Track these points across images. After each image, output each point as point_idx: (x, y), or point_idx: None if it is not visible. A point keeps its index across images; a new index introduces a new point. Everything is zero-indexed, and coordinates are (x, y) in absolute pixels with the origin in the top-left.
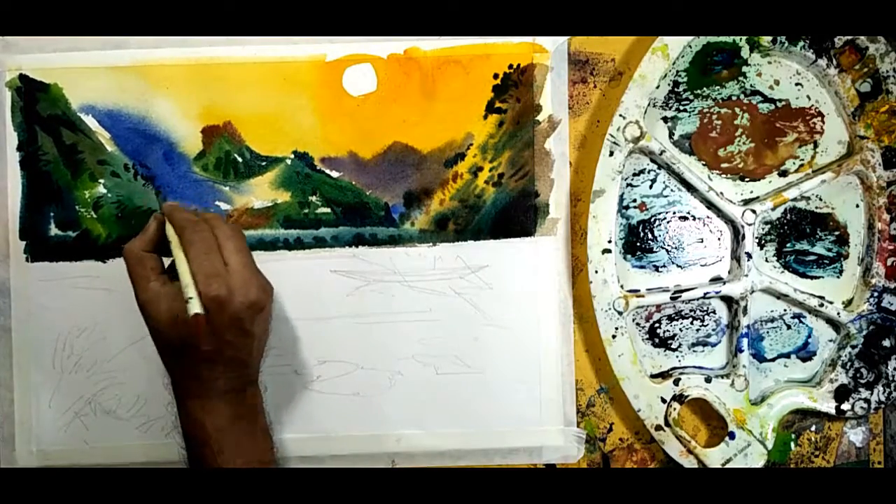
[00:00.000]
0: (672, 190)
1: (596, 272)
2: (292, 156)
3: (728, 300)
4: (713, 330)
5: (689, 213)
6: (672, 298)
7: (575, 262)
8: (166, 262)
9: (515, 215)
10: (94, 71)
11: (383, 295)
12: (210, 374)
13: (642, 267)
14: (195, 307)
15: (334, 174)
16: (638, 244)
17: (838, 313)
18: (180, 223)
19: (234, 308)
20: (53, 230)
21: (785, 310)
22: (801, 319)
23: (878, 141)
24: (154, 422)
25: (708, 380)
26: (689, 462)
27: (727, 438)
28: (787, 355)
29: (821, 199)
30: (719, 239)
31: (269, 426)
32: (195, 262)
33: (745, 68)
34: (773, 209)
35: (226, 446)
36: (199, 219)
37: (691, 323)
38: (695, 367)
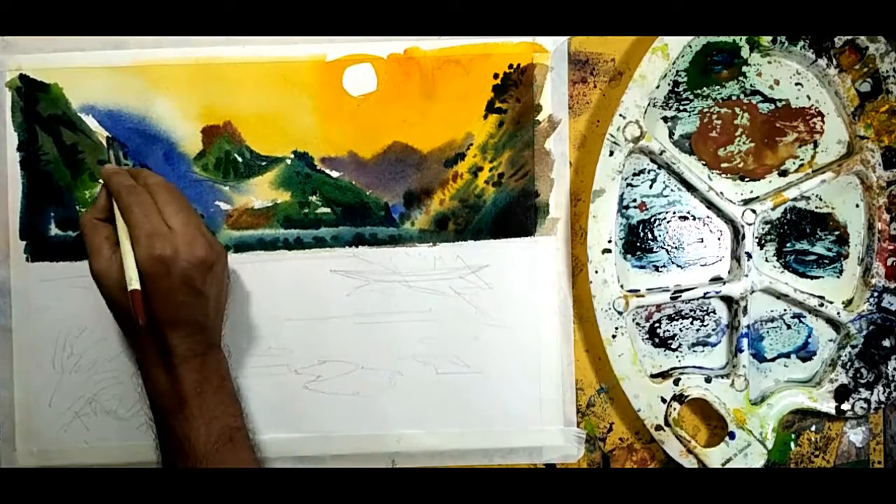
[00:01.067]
0: (672, 190)
1: (596, 272)
2: (292, 156)
3: (728, 300)
4: (713, 330)
5: (689, 213)
6: (672, 298)
7: (575, 262)
8: None
9: (515, 215)
10: (94, 71)
11: (383, 295)
12: (170, 339)
13: (642, 267)
14: (132, 283)
15: (334, 174)
16: (638, 244)
17: (838, 313)
18: (116, 188)
19: (180, 266)
20: (54, 230)
21: (785, 310)
22: (801, 319)
23: (878, 141)
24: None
25: (708, 380)
26: (689, 462)
27: (727, 438)
28: (787, 355)
29: (821, 199)
30: (719, 239)
31: (237, 391)
32: (135, 225)
33: (745, 68)
34: (773, 209)
35: (194, 413)
36: (136, 183)
37: (691, 323)
38: (695, 367)
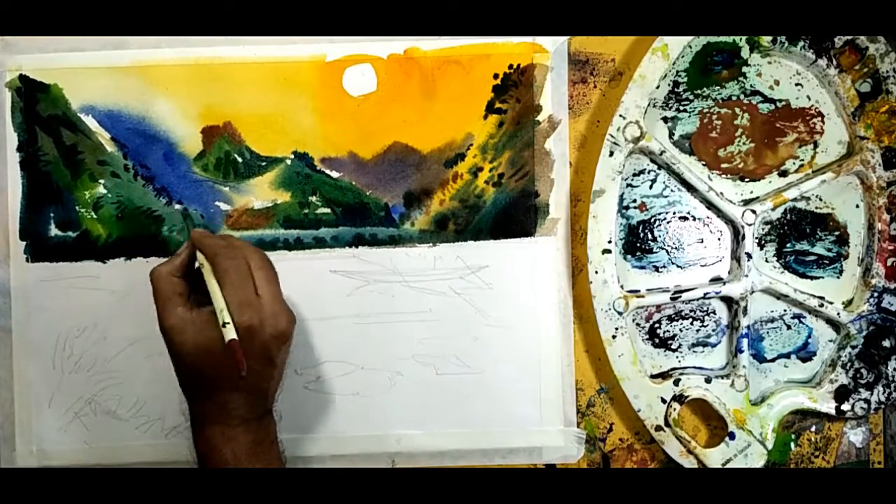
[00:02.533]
0: (672, 190)
1: (596, 272)
2: (292, 156)
3: (728, 300)
4: (713, 330)
5: (689, 213)
6: (672, 299)
7: (575, 262)
8: None
9: (515, 215)
10: (94, 71)
11: (383, 295)
12: (233, 402)
13: (642, 267)
14: (230, 333)
15: (334, 174)
16: (638, 244)
17: (838, 313)
18: (213, 249)
19: (263, 338)
20: (53, 230)
21: (785, 310)
22: (801, 320)
23: (878, 141)
24: (154, 422)
25: (708, 380)
26: (689, 462)
27: (727, 439)
28: (787, 355)
29: (821, 200)
30: (719, 239)
31: (283, 454)
32: (229, 290)
33: (745, 68)
34: (773, 209)
35: None
36: (230, 246)
37: (691, 323)
38: (695, 367)
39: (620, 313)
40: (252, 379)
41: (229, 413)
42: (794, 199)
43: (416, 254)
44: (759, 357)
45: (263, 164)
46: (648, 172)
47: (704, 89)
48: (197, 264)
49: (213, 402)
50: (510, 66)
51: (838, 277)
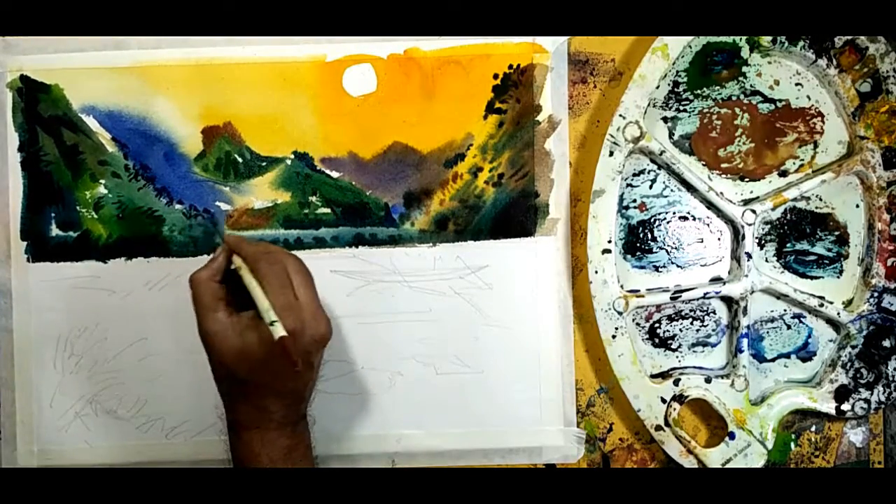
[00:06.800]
0: (672, 190)
1: (596, 272)
2: (292, 156)
3: (728, 300)
4: (713, 330)
5: (689, 213)
6: (672, 298)
7: (575, 262)
8: None
9: (515, 215)
10: (94, 72)
11: (383, 295)
12: (271, 406)
13: (642, 267)
14: (280, 330)
15: (334, 174)
16: (638, 244)
17: (838, 313)
18: (253, 255)
19: (304, 342)
20: (54, 231)
21: (785, 310)
22: (801, 319)
23: (878, 141)
24: (154, 422)
25: (708, 380)
26: (689, 462)
27: (727, 439)
28: (787, 355)
29: (821, 199)
30: (719, 239)
31: (316, 460)
32: (270, 295)
33: (745, 68)
34: (773, 209)
35: None
36: (268, 251)
37: (691, 323)
38: (695, 367)
39: (620, 313)
40: (292, 384)
41: (268, 417)
42: (794, 199)
43: (416, 254)
44: (759, 357)
45: (263, 164)
46: (648, 172)
47: (704, 89)
48: (233, 267)
49: (251, 406)
50: (510, 66)
51: (838, 277)
